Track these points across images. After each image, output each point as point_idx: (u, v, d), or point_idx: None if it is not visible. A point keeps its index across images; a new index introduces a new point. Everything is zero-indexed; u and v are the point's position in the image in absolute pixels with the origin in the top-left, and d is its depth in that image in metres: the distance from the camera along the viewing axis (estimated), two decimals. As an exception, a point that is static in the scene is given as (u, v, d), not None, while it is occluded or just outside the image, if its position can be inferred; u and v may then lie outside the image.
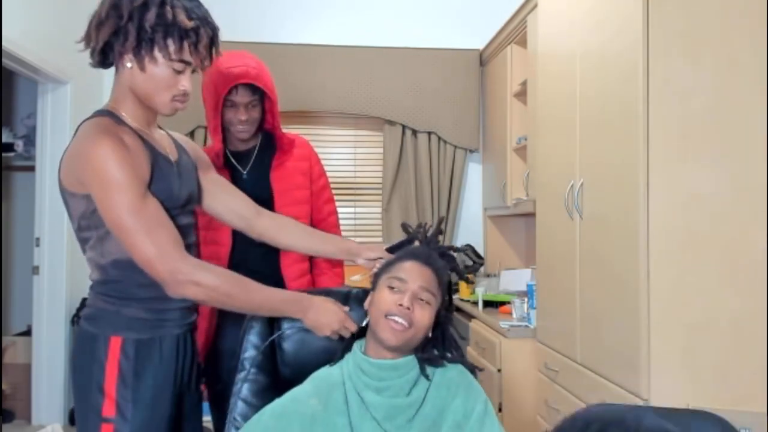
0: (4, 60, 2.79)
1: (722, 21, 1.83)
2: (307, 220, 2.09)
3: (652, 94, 1.81)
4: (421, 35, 4.04)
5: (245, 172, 2.03)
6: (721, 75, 1.83)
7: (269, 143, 2.07)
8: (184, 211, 1.45)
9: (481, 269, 3.88)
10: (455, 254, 1.55)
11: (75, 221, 1.37)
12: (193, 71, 1.37)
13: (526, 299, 2.90)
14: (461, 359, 1.42)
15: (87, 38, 1.33)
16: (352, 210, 4.11)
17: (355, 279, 1.63)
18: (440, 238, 1.56)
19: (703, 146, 1.82)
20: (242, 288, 1.37)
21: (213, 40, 1.36)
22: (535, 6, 2.82)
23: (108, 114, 1.35)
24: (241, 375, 1.46)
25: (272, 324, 1.52)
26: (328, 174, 2.23)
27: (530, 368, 2.68)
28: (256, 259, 1.94)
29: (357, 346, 1.39)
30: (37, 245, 3.41)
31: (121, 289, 1.35)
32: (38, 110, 3.38)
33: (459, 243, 3.99)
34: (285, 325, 1.51)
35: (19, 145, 4.06)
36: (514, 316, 2.96)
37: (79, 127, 1.36)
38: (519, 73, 3.44)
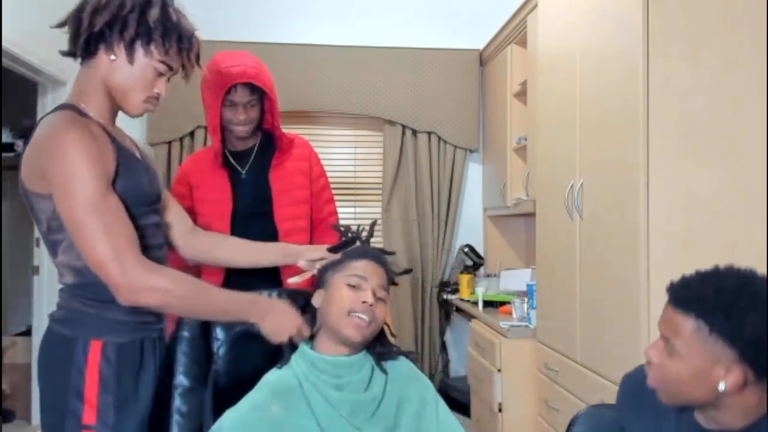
0: (4, 60, 2.79)
1: (722, 21, 1.83)
2: (307, 220, 2.08)
3: (652, 94, 1.81)
4: (421, 35, 4.04)
5: (244, 172, 2.03)
6: (721, 75, 1.83)
7: (269, 143, 2.07)
8: (152, 209, 1.39)
9: (481, 269, 3.88)
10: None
11: (43, 224, 1.30)
12: (168, 79, 1.36)
13: (526, 299, 2.90)
14: (403, 351, 1.48)
15: (76, 23, 1.29)
16: (352, 210, 4.11)
17: (294, 280, 1.62)
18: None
19: (703, 146, 1.82)
20: (199, 291, 1.30)
21: (199, 50, 1.38)
22: (535, 6, 2.82)
23: (71, 108, 1.30)
24: (179, 390, 1.41)
25: (207, 335, 1.48)
26: (328, 174, 2.23)
27: (530, 368, 2.68)
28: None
29: (304, 345, 1.40)
30: (37, 245, 3.41)
31: (100, 291, 1.26)
32: (38, 110, 3.38)
33: (459, 243, 3.99)
34: (219, 335, 1.47)
35: (19, 145, 4.04)
36: (514, 316, 2.95)
37: (39, 121, 1.30)
38: (519, 73, 3.43)
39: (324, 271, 1.46)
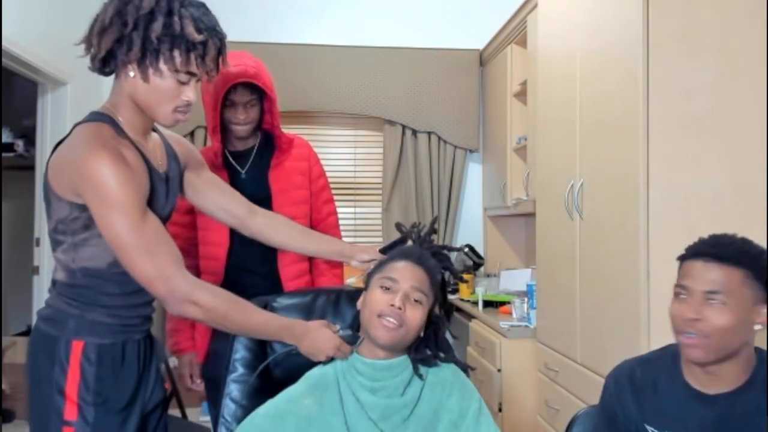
0: (4, 60, 2.79)
1: (722, 21, 1.83)
2: (306, 221, 2.08)
3: (652, 94, 1.81)
4: (421, 35, 4.04)
5: (244, 172, 2.03)
6: (721, 75, 1.83)
7: (268, 143, 2.07)
8: (164, 223, 1.41)
9: (481, 269, 3.88)
10: (449, 253, 1.55)
11: (52, 221, 1.33)
12: (198, 80, 1.32)
13: (526, 299, 2.90)
14: (454, 359, 1.44)
15: (88, 44, 1.28)
16: (352, 210, 4.11)
17: (351, 282, 1.63)
18: (434, 237, 1.56)
19: (703, 147, 1.82)
20: (240, 310, 1.35)
21: (220, 50, 1.32)
22: (535, 6, 2.82)
23: (106, 120, 1.30)
24: (232, 376, 1.46)
25: None
26: (328, 174, 2.23)
27: (530, 368, 2.68)
28: (254, 260, 1.94)
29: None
30: (37, 245, 3.41)
31: (87, 294, 1.32)
32: (38, 110, 3.38)
33: (459, 243, 3.98)
34: None
35: (19, 145, 4.05)
36: (514, 316, 2.95)
37: (75, 127, 1.31)
38: (519, 73, 3.44)
39: (370, 273, 1.44)
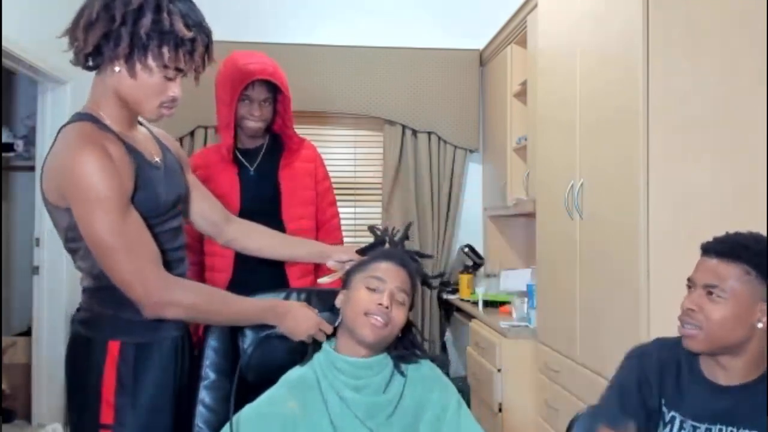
0: (4, 60, 2.79)
1: (722, 21, 1.83)
2: (313, 221, 2.10)
3: (652, 94, 1.81)
4: (421, 35, 4.04)
5: (252, 169, 2.04)
6: (721, 75, 1.83)
7: (275, 144, 2.09)
8: (172, 214, 1.41)
9: (481, 269, 3.88)
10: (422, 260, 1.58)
11: (62, 233, 1.33)
12: (184, 76, 1.31)
13: (526, 299, 2.90)
14: (430, 355, 1.47)
15: (72, 38, 1.26)
16: (352, 210, 4.11)
17: (324, 280, 1.64)
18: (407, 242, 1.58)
19: (703, 146, 1.82)
20: (219, 302, 1.36)
21: (208, 46, 1.30)
22: (535, 6, 2.82)
23: (89, 118, 1.29)
24: (205, 382, 1.43)
25: (234, 330, 1.49)
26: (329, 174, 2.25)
27: (530, 368, 2.68)
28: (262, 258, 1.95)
29: (327, 345, 1.41)
30: (37, 245, 3.41)
31: (116, 295, 1.31)
32: (38, 110, 3.38)
33: (459, 243, 3.98)
34: (247, 331, 1.48)
35: (19, 145, 4.05)
36: (514, 316, 2.95)
37: (59, 131, 1.30)
38: (519, 73, 3.44)
39: (350, 272, 1.46)
